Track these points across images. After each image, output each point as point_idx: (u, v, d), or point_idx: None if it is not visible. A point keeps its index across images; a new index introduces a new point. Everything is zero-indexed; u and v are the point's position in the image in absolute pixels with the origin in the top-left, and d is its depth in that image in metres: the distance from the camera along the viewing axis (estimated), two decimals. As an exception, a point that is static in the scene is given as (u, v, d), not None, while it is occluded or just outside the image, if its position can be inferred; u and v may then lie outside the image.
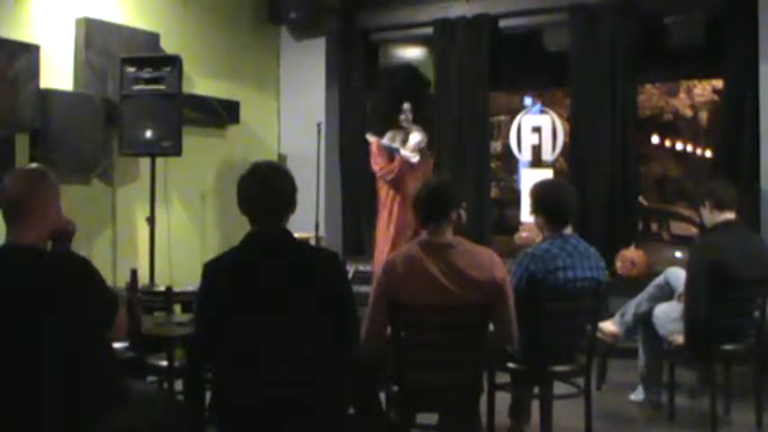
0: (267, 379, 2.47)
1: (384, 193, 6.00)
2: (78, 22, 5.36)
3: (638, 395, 4.51)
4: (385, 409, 3.13)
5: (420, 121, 6.03)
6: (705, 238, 4.32)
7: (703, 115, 13.71)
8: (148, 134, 5.29)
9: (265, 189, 2.58)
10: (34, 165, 2.86)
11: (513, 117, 6.96)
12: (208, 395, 2.80)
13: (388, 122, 5.65)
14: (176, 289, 3.99)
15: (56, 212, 2.55)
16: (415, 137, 5.52)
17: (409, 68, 6.48)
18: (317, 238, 6.01)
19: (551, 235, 3.54)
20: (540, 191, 3.66)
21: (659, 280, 4.49)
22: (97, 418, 2.42)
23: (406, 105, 5.53)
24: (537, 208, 3.61)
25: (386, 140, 5.75)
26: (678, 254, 7.99)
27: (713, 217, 4.11)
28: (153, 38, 5.78)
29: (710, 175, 6.51)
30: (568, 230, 3.58)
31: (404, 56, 7.42)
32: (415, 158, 5.50)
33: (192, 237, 6.22)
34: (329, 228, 6.70)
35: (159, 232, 5.60)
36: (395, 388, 3.08)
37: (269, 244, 2.59)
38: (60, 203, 2.58)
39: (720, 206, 4.07)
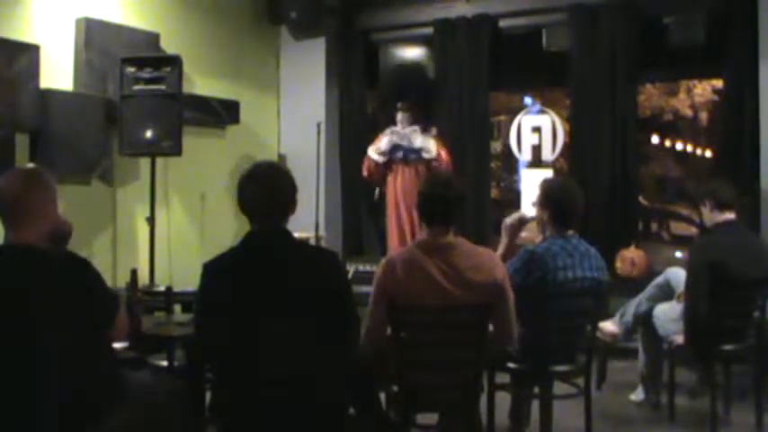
0: (267, 379, 2.47)
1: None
2: (78, 22, 5.36)
3: (638, 395, 4.51)
4: (385, 409, 3.13)
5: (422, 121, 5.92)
6: (705, 238, 4.32)
7: (703, 115, 13.72)
8: (148, 134, 5.29)
9: (265, 189, 2.58)
10: (30, 165, 2.86)
11: (513, 117, 6.96)
12: (208, 395, 2.80)
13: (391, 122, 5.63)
14: (176, 289, 4.00)
15: (53, 212, 2.55)
16: (381, 139, 5.50)
17: (410, 68, 6.44)
18: (317, 238, 6.01)
19: (553, 234, 3.54)
20: (550, 187, 3.64)
21: (659, 280, 4.49)
22: (97, 417, 2.42)
23: (399, 105, 5.52)
24: (544, 203, 3.58)
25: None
26: (678, 254, 8.00)
27: (713, 217, 4.11)
28: (153, 38, 5.78)
29: (710, 175, 6.51)
30: (570, 231, 3.58)
31: (404, 56, 7.41)
32: (378, 159, 5.49)
33: (192, 237, 6.22)
34: (329, 228, 6.70)
35: (159, 232, 5.60)
36: (395, 388, 3.08)
37: (269, 244, 2.59)
38: (57, 203, 2.58)
39: (720, 206, 4.07)
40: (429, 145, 5.44)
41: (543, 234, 3.61)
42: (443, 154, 5.56)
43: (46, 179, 2.56)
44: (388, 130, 5.49)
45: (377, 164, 5.45)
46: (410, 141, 5.44)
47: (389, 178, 5.46)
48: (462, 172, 6.41)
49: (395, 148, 5.45)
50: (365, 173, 5.61)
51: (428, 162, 5.41)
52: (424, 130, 5.50)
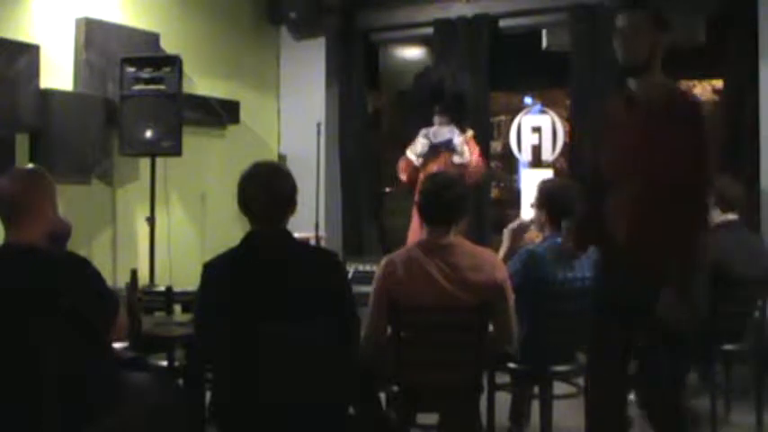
0: (267, 379, 2.47)
1: None
2: (78, 22, 5.36)
3: (638, 395, 4.51)
4: (385, 409, 3.13)
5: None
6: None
7: (703, 115, 13.68)
8: (148, 134, 5.29)
9: (265, 189, 2.59)
10: (30, 165, 2.87)
11: (513, 117, 6.95)
12: (208, 395, 2.81)
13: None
14: (176, 289, 3.99)
15: (53, 212, 2.56)
16: (418, 139, 5.50)
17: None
18: (317, 238, 6.00)
19: (552, 234, 3.54)
20: (547, 188, 3.65)
21: (659, 280, 4.49)
22: (96, 418, 2.42)
23: (436, 108, 5.56)
24: (542, 203, 3.60)
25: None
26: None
27: (716, 216, 4.11)
28: (153, 38, 5.77)
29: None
30: (569, 230, 3.58)
31: (404, 56, 7.40)
32: (416, 161, 5.48)
33: (192, 237, 6.21)
34: (329, 228, 6.70)
35: (159, 232, 5.60)
36: (395, 388, 3.08)
37: (269, 244, 2.59)
38: (57, 203, 2.59)
39: (724, 206, 4.08)
40: (463, 148, 5.43)
41: (543, 234, 3.62)
42: (475, 158, 5.54)
43: (45, 179, 2.57)
44: (423, 132, 5.50)
45: (415, 167, 5.46)
46: (446, 138, 5.46)
47: (421, 176, 5.45)
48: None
49: (432, 147, 5.47)
50: (403, 176, 5.62)
51: (458, 164, 5.39)
52: (462, 131, 5.50)
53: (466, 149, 5.39)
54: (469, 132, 5.55)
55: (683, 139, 2.70)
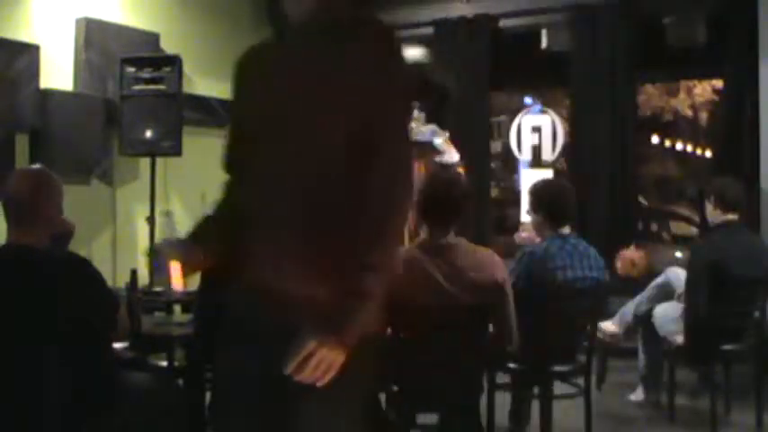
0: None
1: None
2: (78, 22, 5.36)
3: (638, 395, 4.51)
4: (385, 409, 3.13)
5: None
6: (705, 238, 4.32)
7: (703, 115, 13.72)
8: (148, 134, 5.29)
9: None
10: (37, 166, 2.87)
11: (513, 117, 6.96)
12: (208, 395, 2.81)
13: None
14: (176, 289, 3.99)
15: (57, 215, 2.56)
16: None
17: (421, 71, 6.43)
18: (318, 238, 5.99)
19: (550, 234, 3.55)
20: (540, 190, 3.68)
21: (659, 280, 4.50)
22: (96, 418, 2.42)
23: (415, 104, 5.51)
24: (536, 207, 3.62)
25: None
26: (678, 254, 7.99)
27: (716, 215, 4.12)
28: (153, 38, 5.78)
29: (711, 175, 6.51)
30: (567, 230, 3.58)
31: (403, 56, 7.39)
32: None
33: (192, 237, 6.21)
34: (329, 228, 6.69)
35: (159, 232, 5.59)
36: (395, 388, 3.08)
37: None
38: (61, 205, 2.59)
39: (724, 206, 4.08)
40: (446, 147, 5.39)
41: (542, 237, 3.63)
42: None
43: (53, 181, 2.58)
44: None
45: None
46: (427, 139, 5.42)
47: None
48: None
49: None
50: None
51: (446, 164, 5.35)
52: (441, 131, 5.46)
53: (452, 149, 5.37)
54: (446, 134, 5.50)
55: (358, 79, 1.75)
